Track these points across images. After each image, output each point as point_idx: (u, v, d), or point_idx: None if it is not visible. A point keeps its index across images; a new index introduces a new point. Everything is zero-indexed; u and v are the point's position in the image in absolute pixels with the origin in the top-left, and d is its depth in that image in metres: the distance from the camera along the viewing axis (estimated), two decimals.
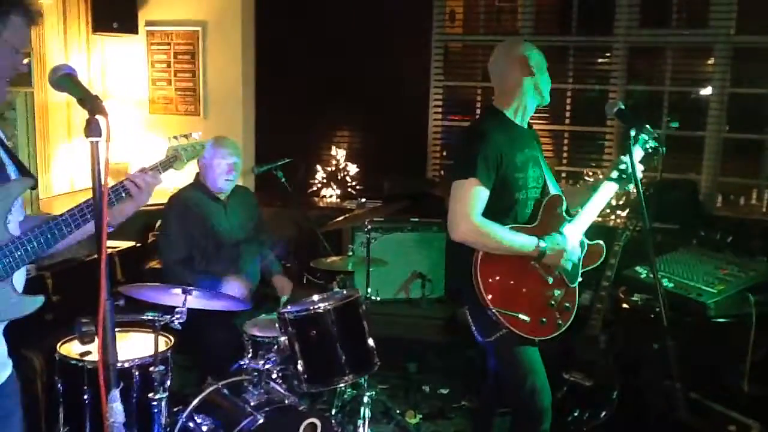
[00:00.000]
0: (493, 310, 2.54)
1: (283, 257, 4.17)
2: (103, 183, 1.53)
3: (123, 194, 1.91)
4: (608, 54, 5.03)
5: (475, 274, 2.55)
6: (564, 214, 2.78)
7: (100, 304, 1.49)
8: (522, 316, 2.58)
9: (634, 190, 2.61)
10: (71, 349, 2.88)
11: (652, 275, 3.58)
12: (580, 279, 2.80)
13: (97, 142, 1.55)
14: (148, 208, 4.35)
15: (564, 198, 2.79)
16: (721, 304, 3.31)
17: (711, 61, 4.83)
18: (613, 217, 4.67)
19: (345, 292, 3.17)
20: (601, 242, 2.89)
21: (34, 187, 1.87)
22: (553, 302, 2.71)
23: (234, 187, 3.72)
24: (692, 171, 4.92)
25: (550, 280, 2.71)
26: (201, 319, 2.91)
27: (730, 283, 3.39)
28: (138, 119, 5.41)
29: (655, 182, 4.74)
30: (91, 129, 1.54)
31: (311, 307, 2.94)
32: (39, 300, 1.79)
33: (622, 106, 2.70)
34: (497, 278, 2.58)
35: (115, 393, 1.53)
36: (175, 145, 2.07)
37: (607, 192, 2.83)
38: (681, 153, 4.93)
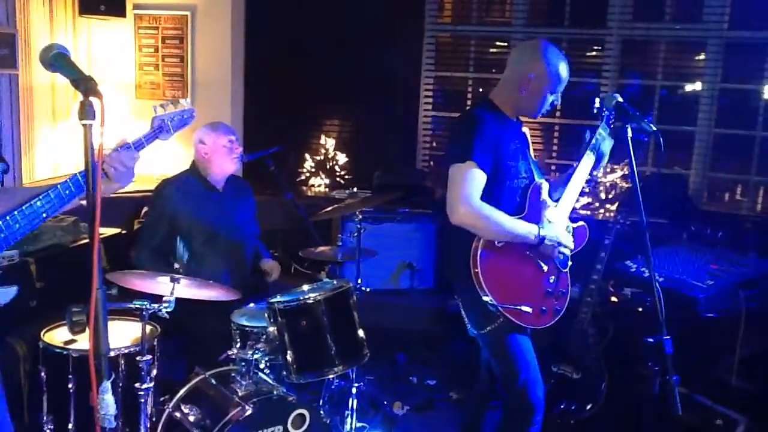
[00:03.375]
0: (497, 306, 2.54)
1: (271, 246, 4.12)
2: (97, 168, 1.49)
3: (104, 175, 1.82)
4: (599, 48, 5.02)
5: (474, 269, 2.54)
6: (548, 200, 2.76)
7: (92, 293, 1.45)
8: (524, 308, 2.59)
9: (624, 184, 2.61)
10: (55, 336, 2.83)
11: (642, 269, 3.60)
12: (570, 263, 2.81)
13: (90, 125, 1.49)
14: (135, 195, 4.34)
15: (547, 184, 2.78)
16: (711, 299, 3.32)
17: (702, 57, 4.83)
18: (602, 210, 4.69)
19: (335, 282, 3.14)
20: (584, 223, 2.88)
21: (6, 171, 1.82)
22: (549, 290, 2.72)
23: (230, 177, 3.65)
24: (681, 166, 4.92)
25: (545, 267, 2.72)
26: (189, 307, 2.86)
27: (721, 278, 3.40)
28: (124, 104, 5.31)
29: (645, 177, 4.76)
30: (85, 111, 1.48)
31: (301, 297, 2.91)
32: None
33: (620, 99, 2.71)
34: (497, 273, 2.57)
35: (107, 384, 1.49)
36: (161, 115, 1.98)
37: (585, 166, 2.79)
38: (670, 148, 4.93)
